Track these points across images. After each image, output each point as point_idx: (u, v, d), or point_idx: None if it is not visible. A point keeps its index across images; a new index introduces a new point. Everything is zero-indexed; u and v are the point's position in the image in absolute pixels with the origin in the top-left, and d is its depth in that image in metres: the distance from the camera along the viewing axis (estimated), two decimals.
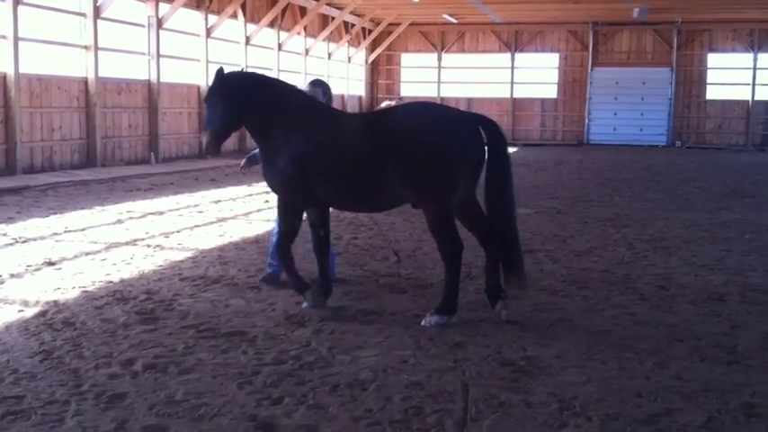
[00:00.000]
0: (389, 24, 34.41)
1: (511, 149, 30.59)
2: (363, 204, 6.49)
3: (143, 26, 20.18)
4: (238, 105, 6.27)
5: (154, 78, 20.40)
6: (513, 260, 6.08)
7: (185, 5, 21.17)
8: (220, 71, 6.32)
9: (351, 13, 30.69)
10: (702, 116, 34.35)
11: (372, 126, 6.13)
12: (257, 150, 6.96)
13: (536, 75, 35.80)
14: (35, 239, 9.48)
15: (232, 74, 6.42)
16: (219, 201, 13.64)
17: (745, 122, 33.70)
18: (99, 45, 18.11)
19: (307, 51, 29.60)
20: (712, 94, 34.26)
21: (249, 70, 7.09)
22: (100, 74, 18.18)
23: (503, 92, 35.83)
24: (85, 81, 18.03)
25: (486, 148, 6.02)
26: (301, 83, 29.05)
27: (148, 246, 9.23)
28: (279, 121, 6.25)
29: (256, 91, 6.33)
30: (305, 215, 6.48)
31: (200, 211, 12.29)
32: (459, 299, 6.14)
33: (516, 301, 6.84)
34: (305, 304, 6.40)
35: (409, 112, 6.16)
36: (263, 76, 6.77)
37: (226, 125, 6.35)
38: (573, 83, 35.36)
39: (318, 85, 7.47)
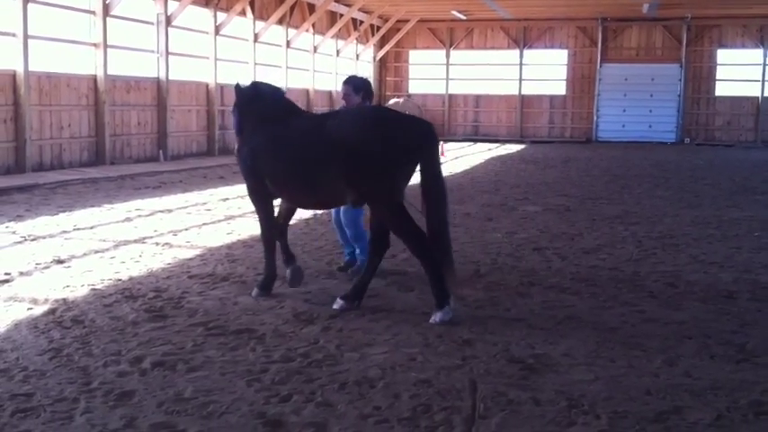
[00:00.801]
0: (398, 21, 34.38)
1: (519, 146, 30.42)
2: (304, 202, 6.98)
3: (152, 24, 20.22)
4: (241, 111, 6.98)
5: (163, 76, 20.44)
6: (445, 260, 6.12)
7: (194, 3, 21.18)
8: (237, 86, 7.03)
9: (359, 9, 30.66)
10: (712, 113, 34.20)
11: (318, 128, 6.42)
12: None
13: (544, 71, 35.64)
14: (44, 237, 9.51)
15: (243, 86, 7.08)
16: (228, 198, 13.67)
17: (754, 119, 33.52)
18: (108, 43, 18.16)
19: (315, 48, 29.60)
20: (722, 90, 34.06)
21: (263, 80, 7.66)
22: (109, 71, 18.24)
23: (511, 88, 35.75)
24: (94, 79, 18.08)
25: (421, 149, 6.17)
26: (310, 80, 29.19)
27: (157, 244, 9.26)
28: (253, 119, 6.86)
29: (250, 97, 6.98)
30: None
31: (209, 209, 12.33)
32: (465, 294, 6.15)
33: (525, 299, 6.85)
34: (254, 291, 6.83)
35: (350, 115, 6.57)
36: (261, 86, 7.24)
37: (240, 130, 7.07)
38: (582, 79, 35.24)
39: (348, 82, 7.62)
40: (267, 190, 6.79)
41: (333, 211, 7.82)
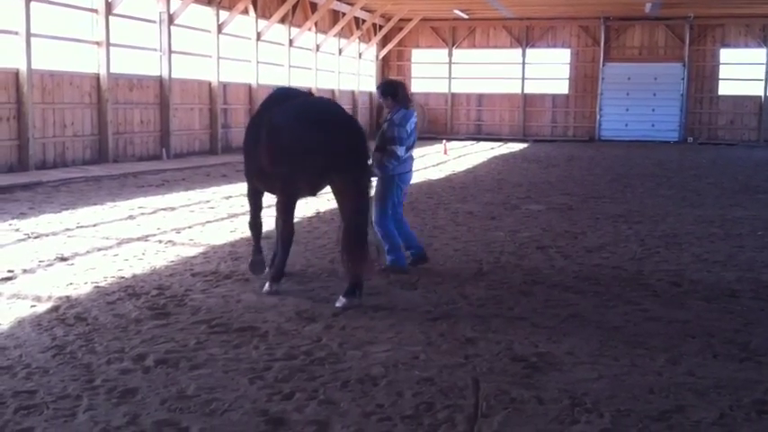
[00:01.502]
0: (400, 20, 34.37)
1: (521, 145, 30.45)
2: (269, 189, 7.20)
3: (154, 22, 20.22)
4: None
5: (165, 74, 20.44)
6: (356, 246, 6.46)
7: (196, 1, 21.18)
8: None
9: (361, 8, 30.66)
10: (714, 112, 34.17)
11: (265, 118, 6.77)
12: None
13: (547, 70, 35.62)
14: (47, 235, 9.52)
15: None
16: (231, 196, 13.67)
17: (757, 118, 33.48)
18: (111, 41, 18.16)
19: (318, 47, 29.60)
20: (724, 89, 34.03)
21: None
22: (111, 70, 18.24)
23: (514, 87, 35.73)
24: (97, 77, 18.09)
25: (338, 147, 6.40)
26: (312, 79, 29.18)
27: (160, 241, 9.26)
28: None
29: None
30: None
31: (212, 207, 12.33)
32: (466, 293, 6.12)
33: (528, 298, 6.85)
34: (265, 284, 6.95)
35: (284, 107, 6.76)
36: (282, 89, 7.75)
37: None
38: (584, 78, 35.20)
39: (377, 88, 7.91)
40: (255, 183, 7.25)
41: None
